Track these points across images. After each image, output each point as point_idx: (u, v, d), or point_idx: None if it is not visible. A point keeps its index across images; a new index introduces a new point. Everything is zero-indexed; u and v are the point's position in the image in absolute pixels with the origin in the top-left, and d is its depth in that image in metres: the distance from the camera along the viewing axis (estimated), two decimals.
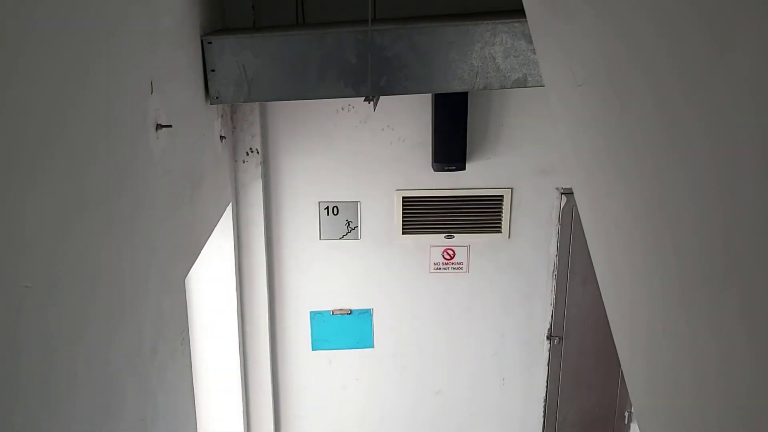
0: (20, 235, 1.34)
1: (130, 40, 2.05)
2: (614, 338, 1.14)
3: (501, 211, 4.21)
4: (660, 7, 0.83)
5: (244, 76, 3.03)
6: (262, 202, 4.00)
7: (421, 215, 4.21)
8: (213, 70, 3.03)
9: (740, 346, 0.71)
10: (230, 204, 3.79)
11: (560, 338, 4.41)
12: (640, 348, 1.03)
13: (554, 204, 4.19)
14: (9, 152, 1.29)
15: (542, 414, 4.58)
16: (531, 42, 2.93)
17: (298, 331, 4.38)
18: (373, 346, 4.45)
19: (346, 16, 3.55)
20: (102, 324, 1.77)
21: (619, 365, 4.42)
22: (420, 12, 3.57)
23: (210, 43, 2.99)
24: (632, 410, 4.56)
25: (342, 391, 4.52)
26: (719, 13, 0.70)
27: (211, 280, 3.79)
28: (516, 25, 2.95)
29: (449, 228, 4.24)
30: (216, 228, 3.42)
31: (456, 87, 3.06)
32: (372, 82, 2.99)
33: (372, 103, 3.12)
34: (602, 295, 1.18)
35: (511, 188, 4.17)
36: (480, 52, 2.99)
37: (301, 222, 4.19)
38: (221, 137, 3.48)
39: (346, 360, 4.47)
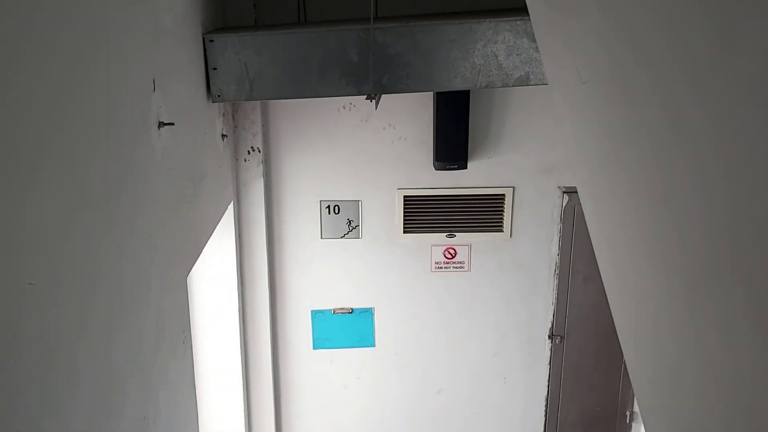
0: (22, 233, 1.33)
1: (132, 37, 2.04)
2: (619, 337, 1.13)
3: (502, 210, 4.20)
4: (665, 3, 0.82)
5: (246, 74, 3.02)
6: (263, 201, 3.99)
7: (422, 214, 4.20)
8: (215, 69, 3.02)
9: (747, 344, 0.71)
10: (232, 203, 3.78)
11: (562, 337, 4.41)
12: (645, 346, 1.03)
13: (556, 203, 4.19)
14: (11, 150, 1.29)
15: (543, 413, 4.58)
16: (533, 40, 2.92)
17: (299, 330, 4.38)
18: (374, 345, 4.45)
19: (347, 15, 3.54)
20: (104, 322, 1.76)
21: (621, 365, 4.43)
22: (422, 10, 3.57)
23: (212, 41, 2.99)
24: (634, 409, 4.55)
25: (343, 390, 4.52)
26: (725, 9, 0.69)
27: (212, 279, 3.79)
28: (518, 23, 2.95)
29: (451, 227, 4.23)
30: (217, 227, 3.42)
31: (458, 85, 3.06)
32: (374, 80, 2.99)
33: (374, 101, 3.11)
34: (607, 293, 1.18)
35: (513, 187, 4.16)
36: (482, 50, 2.98)
37: (302, 221, 4.19)
38: (223, 136, 3.47)
39: (347, 359, 4.47)
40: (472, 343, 4.45)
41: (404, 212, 4.18)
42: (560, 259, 4.25)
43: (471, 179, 4.12)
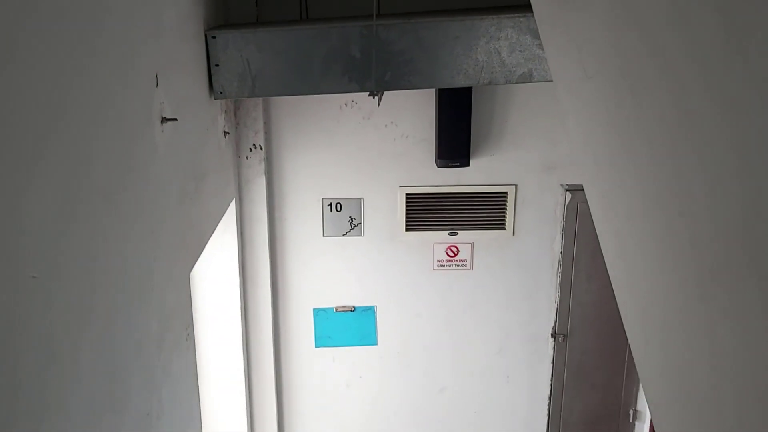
0: (24, 228, 1.33)
1: (135, 32, 2.04)
2: (627, 333, 1.12)
3: (505, 208, 4.19)
4: None
5: (248, 70, 3.01)
6: (265, 199, 3.99)
7: (424, 212, 4.20)
8: (217, 65, 3.02)
9: (759, 339, 0.70)
10: (233, 200, 3.78)
11: (565, 336, 4.40)
12: (654, 342, 1.02)
13: (559, 201, 4.18)
14: (12, 144, 1.28)
15: (546, 412, 4.57)
16: (536, 37, 2.91)
17: (301, 328, 4.38)
18: (376, 344, 4.44)
19: (349, 11, 3.53)
20: (107, 317, 1.76)
21: (624, 363, 4.42)
22: (424, 6, 3.56)
23: (214, 37, 2.98)
24: (637, 408, 4.54)
25: (345, 388, 4.51)
26: (737, 2, 0.68)
27: (214, 276, 3.78)
28: (521, 19, 2.94)
29: (453, 225, 4.23)
30: (219, 225, 3.41)
31: (461, 82, 3.05)
32: (376, 76, 2.98)
33: (376, 98, 3.11)
34: (614, 288, 1.17)
35: (516, 185, 4.15)
36: (485, 46, 2.97)
37: (304, 218, 4.18)
38: (225, 133, 3.47)
39: (349, 357, 4.46)
40: (475, 342, 4.45)
41: (406, 210, 4.17)
42: (563, 257, 4.24)
43: (473, 177, 4.11)
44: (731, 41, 0.69)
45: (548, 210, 4.20)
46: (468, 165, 3.99)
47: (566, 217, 4.17)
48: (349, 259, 4.27)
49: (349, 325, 4.39)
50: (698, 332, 0.85)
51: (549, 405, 4.56)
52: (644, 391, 1.07)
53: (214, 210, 3.24)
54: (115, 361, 1.82)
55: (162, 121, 2.22)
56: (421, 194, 4.16)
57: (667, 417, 0.97)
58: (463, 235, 4.24)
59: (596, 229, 1.25)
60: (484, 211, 4.20)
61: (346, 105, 3.99)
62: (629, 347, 4.40)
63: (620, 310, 1.16)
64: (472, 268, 4.31)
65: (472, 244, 4.27)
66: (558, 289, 4.31)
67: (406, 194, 4.15)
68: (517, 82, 3.07)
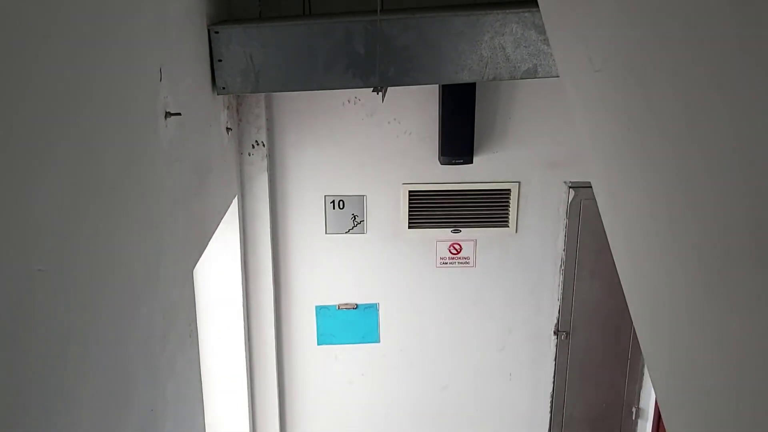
0: (30, 222, 1.32)
1: (139, 27, 2.03)
2: (636, 329, 1.11)
3: (508, 205, 4.18)
4: None
5: (252, 66, 3.00)
6: (267, 196, 3.98)
7: (427, 209, 4.19)
8: (220, 60, 3.01)
9: None
10: (236, 197, 3.77)
11: (567, 333, 4.39)
12: (663, 338, 1.01)
13: (562, 198, 4.17)
14: (17, 139, 1.28)
15: (549, 409, 4.56)
16: (541, 32, 2.90)
17: (303, 325, 4.37)
18: (379, 341, 4.44)
19: (352, 6, 3.52)
20: (113, 313, 1.75)
21: (627, 361, 4.41)
22: (428, 2, 3.54)
23: (217, 33, 2.97)
24: (640, 406, 4.53)
25: (347, 385, 4.51)
26: None
27: (216, 273, 3.77)
28: (526, 15, 2.92)
29: (456, 222, 4.22)
30: (221, 222, 3.40)
31: (465, 77, 3.03)
32: (380, 72, 2.96)
33: (380, 94, 3.10)
34: (622, 284, 1.16)
35: (519, 182, 4.14)
36: (489, 42, 2.96)
37: (306, 216, 4.17)
38: (227, 129, 3.46)
39: (351, 355, 4.46)
40: (478, 339, 4.44)
41: (409, 207, 4.16)
42: (566, 255, 4.23)
43: (476, 174, 4.10)
44: (741, 33, 0.68)
45: (551, 207, 4.19)
46: (471, 162, 3.98)
47: (569, 215, 4.16)
48: (352, 257, 4.26)
49: (352, 323, 4.39)
50: (708, 328, 0.84)
51: (551, 402, 4.55)
52: (654, 389, 1.06)
53: (217, 206, 3.24)
54: (121, 357, 1.81)
55: (166, 116, 2.21)
56: (424, 191, 4.15)
57: (678, 416, 0.96)
58: (466, 233, 4.23)
59: (604, 225, 1.23)
60: (487, 208, 4.19)
61: (349, 101, 3.98)
62: (632, 345, 4.38)
63: (629, 307, 1.15)
64: (474, 265, 4.30)
65: (475, 241, 4.26)
66: (561, 287, 4.30)
67: (409, 191, 4.14)
68: (521, 78, 3.05)
